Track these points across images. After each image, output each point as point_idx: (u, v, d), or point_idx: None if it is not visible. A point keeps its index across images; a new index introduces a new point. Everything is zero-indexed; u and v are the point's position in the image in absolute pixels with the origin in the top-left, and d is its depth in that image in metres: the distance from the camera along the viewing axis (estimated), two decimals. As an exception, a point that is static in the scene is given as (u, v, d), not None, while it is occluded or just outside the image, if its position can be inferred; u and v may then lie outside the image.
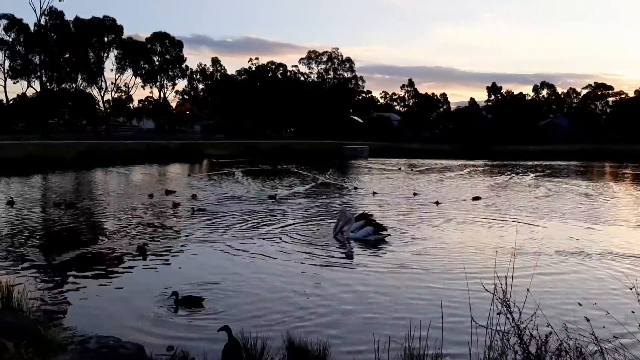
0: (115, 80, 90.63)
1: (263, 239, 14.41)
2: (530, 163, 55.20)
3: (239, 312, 8.56)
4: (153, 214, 18.80)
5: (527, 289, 5.08)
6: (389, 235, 14.71)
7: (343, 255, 13.24)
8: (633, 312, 5.23)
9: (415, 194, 25.41)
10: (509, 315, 4.52)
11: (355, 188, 28.78)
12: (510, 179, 36.82)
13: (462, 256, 12.40)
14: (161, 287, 9.63)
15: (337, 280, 10.58)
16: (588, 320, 4.61)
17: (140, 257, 12.11)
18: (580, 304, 6.07)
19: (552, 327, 4.50)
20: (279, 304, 8.99)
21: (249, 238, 14.47)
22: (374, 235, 14.41)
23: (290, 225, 16.59)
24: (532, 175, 40.11)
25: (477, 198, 23.90)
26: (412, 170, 43.77)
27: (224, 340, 6.44)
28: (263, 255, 12.56)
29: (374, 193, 25.97)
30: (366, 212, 16.50)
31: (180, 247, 13.45)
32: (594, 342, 4.30)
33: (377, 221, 15.40)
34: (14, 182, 28.85)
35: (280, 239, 14.41)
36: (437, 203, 22.06)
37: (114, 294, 9.53)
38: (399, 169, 45.09)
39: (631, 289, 4.96)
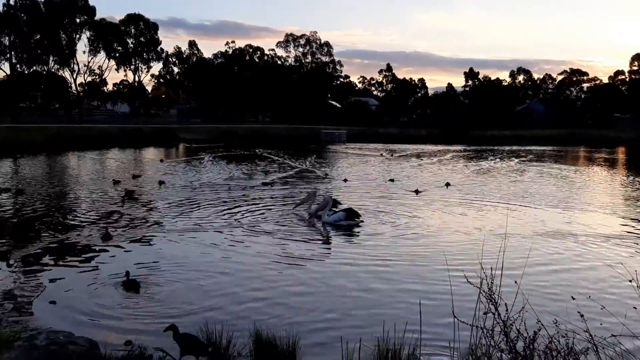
0: (88, 62, 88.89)
1: (230, 228, 13.55)
2: (507, 148, 55.29)
3: (205, 303, 8.04)
4: (112, 201, 17.62)
5: (515, 281, 4.68)
6: (362, 222, 14.26)
7: (315, 246, 12.39)
8: (635, 308, 4.84)
9: (392, 180, 24.59)
10: (494, 311, 4.15)
11: (326, 175, 27.44)
12: (494, 164, 36.39)
13: (444, 246, 11.87)
14: (119, 278, 9.06)
15: (308, 271, 10.01)
16: (582, 315, 4.24)
17: (102, 245, 11.50)
18: (573, 298, 5.60)
19: (542, 324, 4.11)
20: (246, 296, 8.46)
21: (214, 227, 13.65)
22: (345, 221, 13.97)
23: (260, 214, 15.69)
24: (516, 160, 39.83)
25: (447, 184, 23.07)
26: (392, 155, 42.65)
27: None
28: (230, 244, 11.82)
29: (345, 180, 24.70)
30: (333, 197, 16.45)
31: (141, 236, 12.60)
32: (588, 339, 3.96)
33: (351, 207, 15.08)
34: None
35: (249, 228, 13.56)
36: (416, 192, 20.63)
37: (69, 285, 8.88)
38: (380, 154, 43.83)
39: (630, 281, 4.60)
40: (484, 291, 4.21)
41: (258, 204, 17.51)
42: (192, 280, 9.18)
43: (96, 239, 11.97)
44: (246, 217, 15.11)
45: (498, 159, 40.39)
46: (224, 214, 15.45)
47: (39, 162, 31.83)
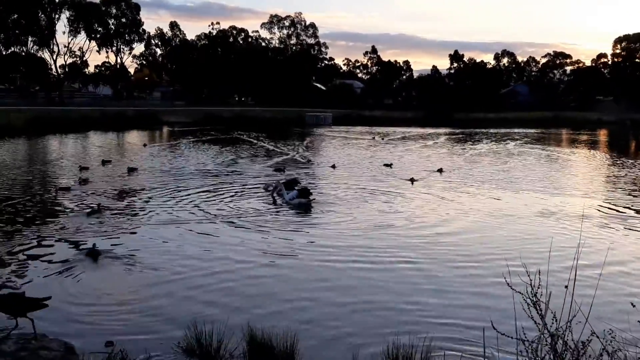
0: (68, 43, 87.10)
1: (211, 218, 12.49)
2: (494, 130, 54.94)
3: (191, 299, 7.41)
4: (68, 191, 15.87)
5: (566, 286, 4.02)
6: (314, 199, 14.48)
7: (313, 238, 11.11)
8: None
9: (389, 166, 22.96)
10: (539, 321, 3.64)
11: (309, 161, 25.51)
12: (489, 147, 35.53)
13: (473, 242, 10.72)
14: (97, 270, 8.55)
15: (307, 267, 9.03)
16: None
17: (71, 237, 10.85)
18: (633, 305, 4.95)
19: (595, 334, 3.62)
20: (237, 292, 7.77)
21: (194, 218, 12.45)
22: (297, 199, 14.59)
23: (242, 202, 14.57)
24: (512, 143, 39.09)
25: (440, 170, 21.66)
26: (382, 139, 41.29)
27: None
28: (212, 236, 10.88)
29: (334, 166, 22.82)
30: (296, 178, 17.89)
31: (108, 229, 11.31)
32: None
33: (304, 186, 16.15)
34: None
35: (233, 218, 12.52)
36: (412, 180, 18.74)
37: (41, 279, 8.17)
38: (373, 138, 42.40)
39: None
40: (527, 297, 3.69)
41: (238, 191, 16.37)
42: (175, 275, 8.45)
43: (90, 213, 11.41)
44: (229, 206, 14.02)
45: (493, 142, 39.68)
46: (205, 203, 14.29)
47: (10, 146, 30.34)
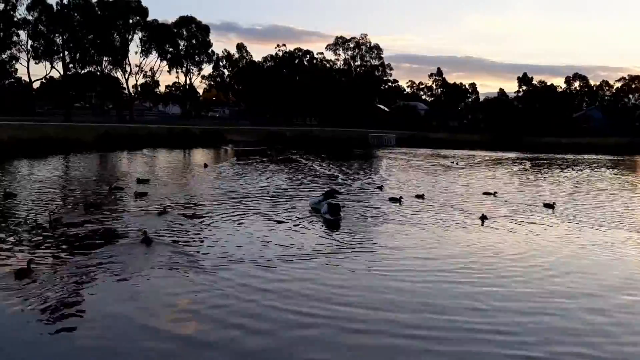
0: (140, 63, 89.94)
1: (263, 253, 10.93)
2: (571, 156, 52.49)
3: (243, 339, 6.44)
4: (75, 213, 14.72)
5: None
6: (342, 219, 14.46)
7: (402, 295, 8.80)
8: None
9: (493, 194, 20.80)
10: None
11: (380, 187, 22.20)
12: (586, 175, 32.51)
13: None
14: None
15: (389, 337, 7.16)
16: None
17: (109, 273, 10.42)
18: None
19: None
20: (294, 323, 7.06)
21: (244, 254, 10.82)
22: (328, 214, 14.60)
23: (299, 234, 13.04)
24: (608, 171, 36.03)
25: (551, 205, 18.34)
26: (457, 164, 38.61)
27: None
28: (261, 274, 9.59)
29: (422, 196, 19.68)
30: (334, 188, 18.73)
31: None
32: None
33: (336, 201, 15.70)
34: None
35: (284, 253, 11.02)
36: (482, 219, 15.47)
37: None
38: (450, 162, 39.62)
39: None
40: None
41: (294, 220, 14.56)
42: (223, 310, 7.66)
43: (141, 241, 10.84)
44: (284, 237, 12.49)
45: (586, 170, 36.58)
46: (260, 234, 12.79)
47: (68, 162, 30.66)
